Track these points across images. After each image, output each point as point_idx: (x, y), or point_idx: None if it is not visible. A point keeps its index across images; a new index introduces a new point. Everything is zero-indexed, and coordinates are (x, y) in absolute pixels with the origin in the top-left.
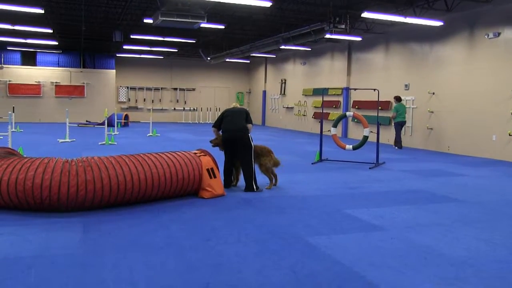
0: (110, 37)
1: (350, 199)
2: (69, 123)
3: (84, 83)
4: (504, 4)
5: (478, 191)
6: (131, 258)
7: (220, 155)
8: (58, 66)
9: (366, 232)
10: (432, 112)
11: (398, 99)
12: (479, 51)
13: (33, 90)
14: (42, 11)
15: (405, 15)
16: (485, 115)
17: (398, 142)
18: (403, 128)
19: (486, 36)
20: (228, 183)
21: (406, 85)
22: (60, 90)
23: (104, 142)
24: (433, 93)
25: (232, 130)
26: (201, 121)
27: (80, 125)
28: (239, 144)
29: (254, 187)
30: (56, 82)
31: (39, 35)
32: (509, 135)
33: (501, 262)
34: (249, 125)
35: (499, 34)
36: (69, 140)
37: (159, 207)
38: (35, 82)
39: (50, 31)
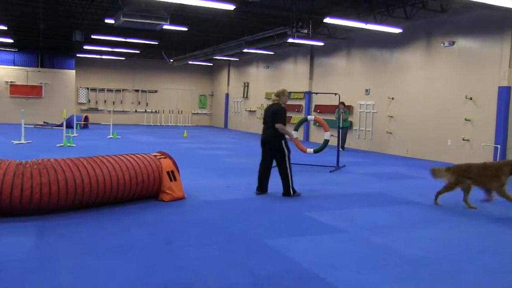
0: (70, 36)
1: (311, 201)
2: (25, 124)
3: (42, 83)
4: (458, 14)
5: (434, 194)
6: (89, 262)
7: (181, 159)
8: (14, 65)
9: (326, 234)
10: (391, 117)
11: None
12: (436, 59)
13: None
14: None
15: (366, 21)
16: (441, 120)
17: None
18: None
19: (442, 45)
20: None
21: (366, 90)
22: (16, 90)
23: (62, 144)
24: (393, 98)
25: (263, 132)
26: (163, 123)
27: (37, 126)
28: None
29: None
30: (11, 82)
31: None
32: (463, 140)
33: (455, 261)
34: (277, 125)
35: (453, 43)
36: (25, 142)
37: (119, 210)
38: None
39: (4, 28)
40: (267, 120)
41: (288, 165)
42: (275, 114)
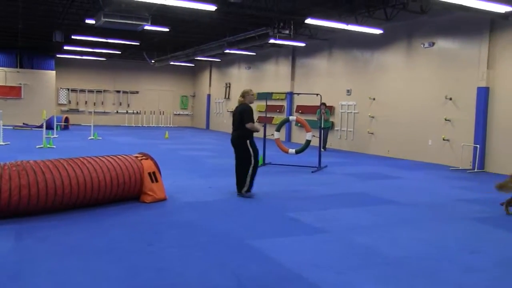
0: (50, 36)
1: (293, 202)
2: (4, 125)
3: (21, 84)
4: (438, 16)
5: (415, 193)
6: (70, 265)
7: (162, 160)
8: None
9: (308, 235)
10: (372, 117)
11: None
12: (416, 60)
13: None
14: None
15: (347, 22)
16: (422, 120)
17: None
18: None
19: (422, 46)
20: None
21: (348, 91)
22: None
23: (42, 146)
24: (374, 99)
25: (231, 134)
26: (144, 125)
27: (15, 127)
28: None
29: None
30: None
31: None
32: (443, 139)
33: (437, 260)
34: (247, 125)
35: (433, 44)
36: (3, 143)
37: (100, 212)
38: None
39: None
40: (234, 121)
41: (252, 165)
42: (242, 114)
